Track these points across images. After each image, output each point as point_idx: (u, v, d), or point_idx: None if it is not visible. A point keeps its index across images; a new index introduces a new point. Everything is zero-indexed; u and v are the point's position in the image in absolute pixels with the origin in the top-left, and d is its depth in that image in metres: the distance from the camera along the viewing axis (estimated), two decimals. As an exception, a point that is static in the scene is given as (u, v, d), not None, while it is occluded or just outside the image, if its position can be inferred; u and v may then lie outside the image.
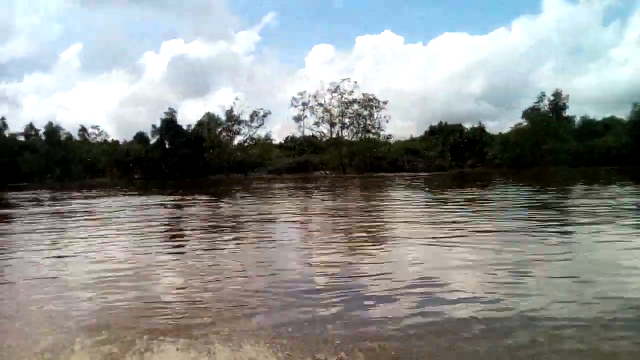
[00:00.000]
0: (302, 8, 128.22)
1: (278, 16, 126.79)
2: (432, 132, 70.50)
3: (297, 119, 62.64)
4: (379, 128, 60.43)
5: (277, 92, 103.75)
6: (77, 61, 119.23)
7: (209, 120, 67.89)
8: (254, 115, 63.45)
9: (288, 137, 75.91)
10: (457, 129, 70.63)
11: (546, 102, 63.35)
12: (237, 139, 65.61)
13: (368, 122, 59.35)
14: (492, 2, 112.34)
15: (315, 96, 60.90)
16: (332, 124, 61.40)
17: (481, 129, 63.71)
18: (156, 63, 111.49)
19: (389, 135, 62.28)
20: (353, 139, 61.39)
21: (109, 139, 77.49)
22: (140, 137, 70.94)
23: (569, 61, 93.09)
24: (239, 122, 63.63)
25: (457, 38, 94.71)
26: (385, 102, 59.16)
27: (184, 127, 68.56)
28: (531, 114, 64.29)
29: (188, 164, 63.43)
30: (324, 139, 63.21)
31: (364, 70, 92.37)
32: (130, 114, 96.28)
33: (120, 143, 73.49)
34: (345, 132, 61.57)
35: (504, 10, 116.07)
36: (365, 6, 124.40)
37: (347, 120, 60.15)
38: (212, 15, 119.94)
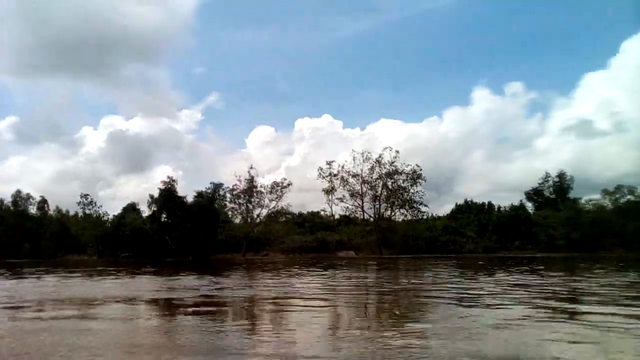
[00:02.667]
0: (246, 89, 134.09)
1: (221, 96, 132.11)
2: (460, 210, 64.35)
3: (328, 191, 54.92)
4: (421, 204, 53.54)
5: (218, 171, 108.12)
6: (11, 133, 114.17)
7: (214, 190, 59.57)
8: (275, 185, 55.72)
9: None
10: (484, 208, 65.08)
11: (551, 182, 60.87)
12: (257, 212, 57.15)
13: (410, 196, 52.24)
14: (426, 92, 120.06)
15: (342, 167, 53.95)
16: (364, 197, 53.88)
17: (522, 207, 57.87)
18: (94, 138, 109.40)
19: (425, 212, 55.29)
20: (391, 215, 53.87)
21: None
22: (131, 210, 61.58)
23: (497, 149, 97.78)
24: (258, 193, 55.54)
25: (393, 124, 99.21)
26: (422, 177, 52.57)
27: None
28: (535, 195, 61.32)
29: (191, 240, 54.21)
30: (352, 214, 55.30)
31: (305, 152, 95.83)
32: (63, 189, 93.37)
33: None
34: (378, 207, 53.89)
35: (436, 101, 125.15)
36: (306, 91, 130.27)
37: (384, 194, 52.71)
38: (155, 92, 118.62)
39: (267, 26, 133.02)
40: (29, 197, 70.38)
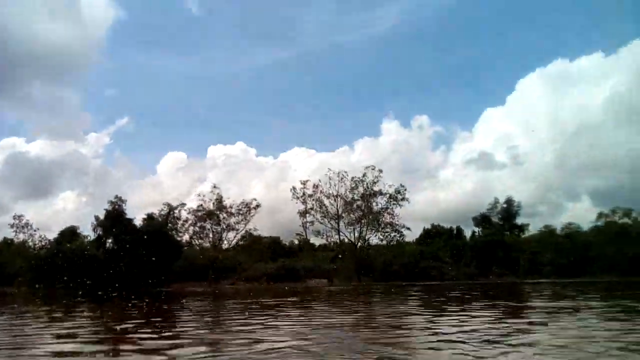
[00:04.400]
0: (158, 114, 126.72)
1: (132, 120, 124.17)
2: (428, 235, 62.01)
3: (303, 213, 50.34)
4: (403, 226, 50.33)
5: (127, 197, 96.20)
6: None
7: (169, 213, 53.54)
8: (243, 207, 50.64)
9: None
10: (453, 232, 63.23)
11: (499, 209, 60.74)
12: (224, 236, 51.68)
13: (391, 219, 48.74)
14: (338, 122, 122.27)
15: (317, 186, 49.89)
16: (340, 220, 49.81)
17: (499, 232, 56.07)
18: None
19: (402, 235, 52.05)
20: (369, 239, 49.98)
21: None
22: (70, 234, 54.18)
23: (405, 180, 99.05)
24: (229, 214, 50.15)
25: (306, 153, 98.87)
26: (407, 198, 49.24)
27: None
28: (482, 221, 60.82)
29: (143, 268, 47.84)
30: (329, 239, 50.90)
31: (217, 179, 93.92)
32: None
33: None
34: (360, 230, 49.81)
35: (348, 131, 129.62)
36: (220, 118, 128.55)
37: (366, 216, 48.79)
38: (61, 113, 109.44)
39: (183, 51, 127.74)
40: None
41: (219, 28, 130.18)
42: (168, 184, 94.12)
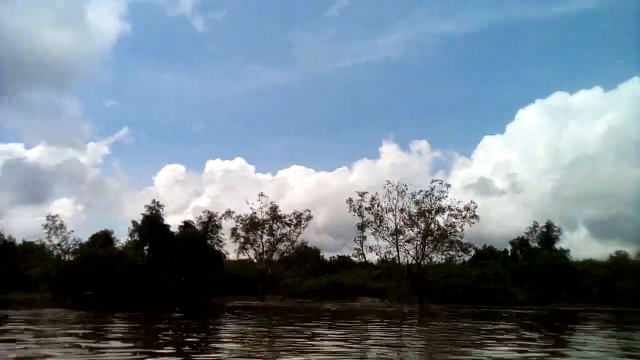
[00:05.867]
0: (157, 127, 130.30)
1: (132, 131, 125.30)
2: (481, 256, 57.43)
3: (362, 226, 46.02)
4: (470, 246, 46.09)
5: (124, 208, 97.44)
6: None
7: (208, 221, 49.59)
8: (298, 217, 46.63)
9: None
10: (507, 254, 58.79)
11: (539, 232, 56.23)
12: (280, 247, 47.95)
13: (458, 237, 44.43)
14: (338, 143, 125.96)
15: (374, 200, 45.66)
16: (397, 236, 45.48)
17: (562, 255, 51.60)
18: None
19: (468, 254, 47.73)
20: (429, 257, 45.50)
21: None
22: (104, 239, 50.39)
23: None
24: (285, 224, 46.25)
25: (304, 172, 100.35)
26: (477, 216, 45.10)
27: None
28: (521, 245, 56.77)
29: (185, 279, 44.07)
30: (389, 256, 46.38)
31: (214, 194, 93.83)
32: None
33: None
34: (422, 248, 45.29)
35: (347, 152, 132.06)
36: (220, 134, 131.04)
37: (433, 233, 44.47)
38: (61, 122, 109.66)
39: (186, 67, 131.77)
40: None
41: (222, 47, 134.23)
42: (165, 196, 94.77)
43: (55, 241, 49.94)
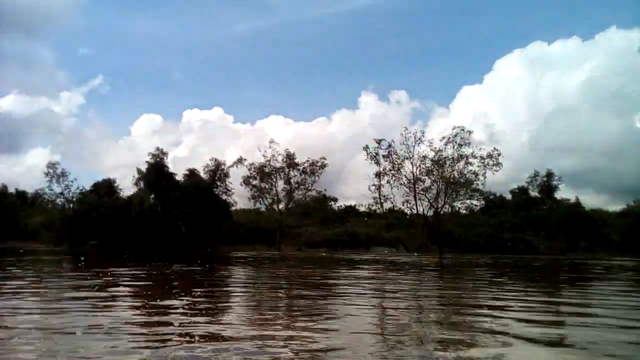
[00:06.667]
0: (134, 76, 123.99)
1: (107, 80, 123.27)
2: (492, 205, 56.13)
3: (378, 175, 44.11)
4: (492, 194, 44.60)
5: (100, 158, 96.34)
6: None
7: (215, 169, 47.30)
8: (313, 165, 44.40)
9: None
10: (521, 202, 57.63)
11: (539, 181, 54.84)
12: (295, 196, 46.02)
13: (480, 186, 42.84)
14: (316, 93, 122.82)
15: (391, 147, 43.52)
16: (415, 184, 43.69)
17: (578, 203, 50.46)
18: None
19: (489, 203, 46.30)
20: (448, 206, 43.94)
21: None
22: (107, 188, 47.94)
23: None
24: (302, 172, 43.99)
25: (283, 122, 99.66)
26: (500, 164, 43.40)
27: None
28: (521, 194, 55.50)
29: (196, 228, 42.22)
30: (407, 205, 44.77)
31: (193, 144, 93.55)
32: None
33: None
34: (444, 196, 43.62)
35: (326, 102, 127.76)
36: (198, 82, 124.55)
37: (452, 180, 42.69)
38: (34, 70, 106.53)
39: (163, 14, 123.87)
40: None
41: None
42: (142, 145, 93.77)
43: (57, 190, 47.04)
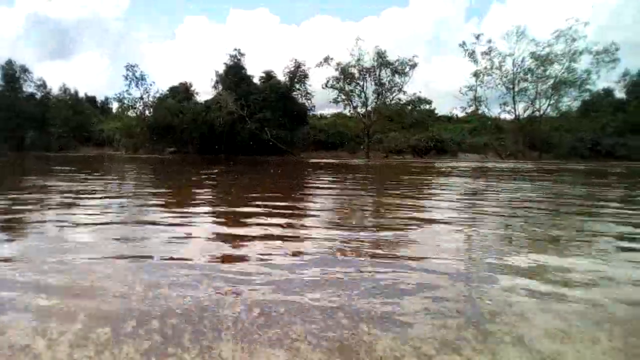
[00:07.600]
0: None
1: None
2: (588, 109, 51.36)
3: (477, 75, 40.57)
4: (609, 90, 40.54)
5: (146, 61, 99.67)
6: None
7: (295, 70, 44.61)
8: (404, 65, 41.03)
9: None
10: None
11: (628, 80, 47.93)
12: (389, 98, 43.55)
13: (589, 86, 38.83)
14: None
15: (491, 42, 39.26)
16: (514, 85, 39.94)
17: None
18: (8, 19, 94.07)
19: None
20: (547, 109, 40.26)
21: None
22: (184, 92, 46.85)
23: (435, 52, 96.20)
24: (395, 72, 40.86)
25: (330, 22, 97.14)
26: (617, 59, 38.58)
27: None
28: None
29: (274, 133, 41.00)
30: (505, 108, 41.41)
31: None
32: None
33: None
34: (548, 99, 40.00)
35: (374, 1, 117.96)
36: None
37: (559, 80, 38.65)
38: None
39: None
40: (25, 70, 53.32)
41: None
42: (188, 49, 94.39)
43: (137, 94, 46.51)
